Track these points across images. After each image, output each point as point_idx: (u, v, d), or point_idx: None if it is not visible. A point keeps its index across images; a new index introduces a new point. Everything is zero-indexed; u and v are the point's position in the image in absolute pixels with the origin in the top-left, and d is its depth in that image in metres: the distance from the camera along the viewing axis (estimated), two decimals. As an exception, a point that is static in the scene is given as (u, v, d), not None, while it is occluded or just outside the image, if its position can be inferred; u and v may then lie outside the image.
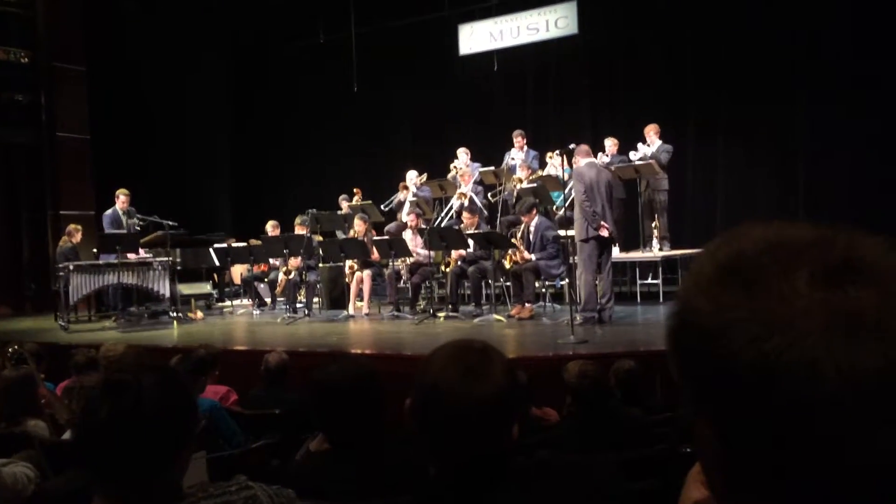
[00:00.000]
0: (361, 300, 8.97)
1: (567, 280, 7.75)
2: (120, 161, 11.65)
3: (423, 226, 9.19)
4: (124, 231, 9.68)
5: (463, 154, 10.29)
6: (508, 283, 8.49)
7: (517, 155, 10.00)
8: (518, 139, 10.08)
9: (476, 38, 12.05)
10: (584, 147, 7.32)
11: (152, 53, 12.39)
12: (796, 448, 0.54)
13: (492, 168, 10.03)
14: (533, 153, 10.03)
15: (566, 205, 8.73)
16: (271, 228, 10.36)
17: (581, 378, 3.38)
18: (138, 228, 9.95)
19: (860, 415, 0.52)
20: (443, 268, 8.63)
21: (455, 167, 10.05)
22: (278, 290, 9.85)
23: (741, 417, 0.55)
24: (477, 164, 10.18)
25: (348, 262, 9.07)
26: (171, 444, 1.34)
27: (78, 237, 9.98)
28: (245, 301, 10.97)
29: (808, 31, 9.72)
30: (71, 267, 8.76)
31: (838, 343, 0.52)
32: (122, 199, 10.01)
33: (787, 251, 0.57)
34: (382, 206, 10.64)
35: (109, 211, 10.01)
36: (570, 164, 7.38)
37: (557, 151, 8.52)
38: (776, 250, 0.57)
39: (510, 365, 1.39)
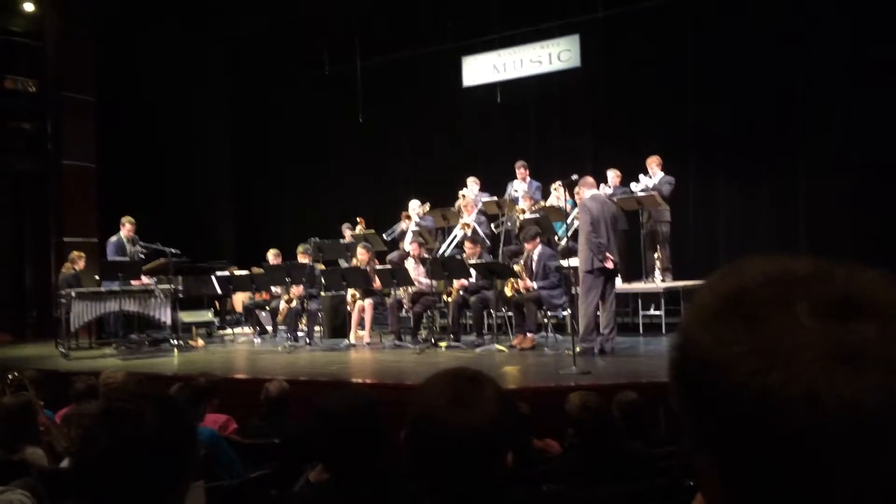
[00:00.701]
0: (363, 329, 8.95)
1: (569, 310, 7.74)
2: (126, 188, 11.70)
3: (426, 255, 9.19)
4: (128, 258, 9.71)
5: (473, 184, 10.32)
6: (510, 313, 8.47)
7: (520, 186, 10.04)
8: (520, 170, 10.12)
9: (479, 70, 12.16)
10: (589, 179, 7.31)
11: (161, 82, 12.51)
12: (799, 480, 0.53)
13: (495, 198, 10.06)
14: (535, 184, 10.06)
15: (569, 235, 8.75)
16: (272, 257, 10.37)
17: (583, 410, 3.36)
18: (142, 256, 9.98)
19: (863, 446, 0.52)
20: (445, 297, 8.62)
21: (463, 195, 10.08)
22: (280, 318, 9.83)
23: (743, 450, 0.55)
24: (483, 194, 10.22)
25: (350, 291, 9.05)
26: (171, 473, 1.33)
27: (81, 264, 9.99)
28: (246, 329, 10.95)
29: (809, 61, 9.78)
30: (73, 294, 8.74)
31: (839, 375, 0.52)
32: (127, 226, 10.06)
33: (787, 285, 0.57)
34: (385, 236, 10.66)
35: (114, 238, 10.06)
36: (572, 196, 7.39)
37: (560, 182, 8.57)
38: (776, 284, 0.57)
39: (503, 394, 1.37)
